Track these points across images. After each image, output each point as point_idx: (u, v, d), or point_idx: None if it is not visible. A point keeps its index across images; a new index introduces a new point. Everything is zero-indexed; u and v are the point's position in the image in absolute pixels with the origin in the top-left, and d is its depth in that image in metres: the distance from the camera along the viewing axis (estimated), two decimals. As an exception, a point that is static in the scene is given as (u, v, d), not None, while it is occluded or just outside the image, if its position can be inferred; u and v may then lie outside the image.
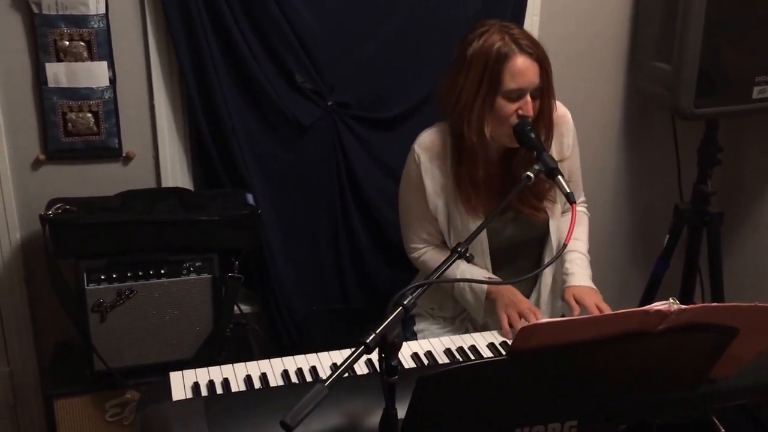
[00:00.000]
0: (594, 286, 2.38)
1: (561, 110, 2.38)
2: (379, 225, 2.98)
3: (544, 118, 2.25)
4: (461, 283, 2.36)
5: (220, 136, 2.76)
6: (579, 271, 2.40)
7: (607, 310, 2.22)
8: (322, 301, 3.04)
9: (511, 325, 2.22)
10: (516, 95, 2.18)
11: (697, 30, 2.71)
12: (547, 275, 2.44)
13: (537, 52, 2.18)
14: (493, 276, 2.36)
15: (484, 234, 2.32)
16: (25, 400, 2.92)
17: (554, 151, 2.35)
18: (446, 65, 2.35)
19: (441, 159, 2.33)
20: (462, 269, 2.31)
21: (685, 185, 3.21)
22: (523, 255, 2.47)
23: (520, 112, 2.18)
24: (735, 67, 2.82)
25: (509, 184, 2.17)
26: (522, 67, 2.16)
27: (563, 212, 2.50)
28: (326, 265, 3.02)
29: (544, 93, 2.21)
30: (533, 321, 2.15)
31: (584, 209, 2.65)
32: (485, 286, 2.31)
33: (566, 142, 2.41)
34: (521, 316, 2.22)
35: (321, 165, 2.90)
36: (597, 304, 2.27)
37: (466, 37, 2.25)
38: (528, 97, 2.18)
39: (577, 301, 2.30)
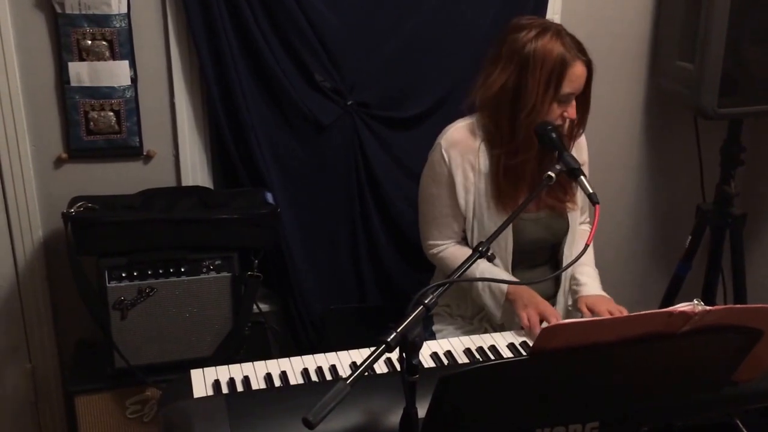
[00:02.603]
0: (606, 295, 2.37)
1: None
2: (397, 224, 2.97)
3: (582, 118, 2.31)
4: (479, 284, 2.35)
5: (240, 134, 2.76)
6: (590, 282, 2.42)
7: (622, 313, 2.22)
8: (340, 300, 3.04)
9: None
10: (566, 99, 2.22)
11: (720, 29, 2.68)
12: (567, 278, 2.46)
13: (587, 58, 2.22)
14: (512, 276, 2.35)
15: (509, 232, 2.31)
16: (46, 397, 2.94)
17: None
18: (466, 64, 2.33)
19: (472, 154, 2.31)
20: (482, 269, 2.30)
21: (707, 186, 3.19)
22: (541, 257, 2.47)
23: (565, 114, 2.23)
24: (759, 66, 2.79)
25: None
26: (579, 73, 2.21)
27: (581, 223, 2.52)
28: (345, 264, 3.02)
29: (580, 95, 2.25)
30: (553, 322, 2.14)
31: (588, 229, 2.59)
32: (504, 288, 2.30)
33: (582, 158, 2.45)
34: (541, 316, 2.21)
35: (340, 164, 2.90)
36: (609, 310, 2.26)
37: (515, 35, 2.23)
38: (573, 101, 2.23)
39: (589, 309, 2.30)
